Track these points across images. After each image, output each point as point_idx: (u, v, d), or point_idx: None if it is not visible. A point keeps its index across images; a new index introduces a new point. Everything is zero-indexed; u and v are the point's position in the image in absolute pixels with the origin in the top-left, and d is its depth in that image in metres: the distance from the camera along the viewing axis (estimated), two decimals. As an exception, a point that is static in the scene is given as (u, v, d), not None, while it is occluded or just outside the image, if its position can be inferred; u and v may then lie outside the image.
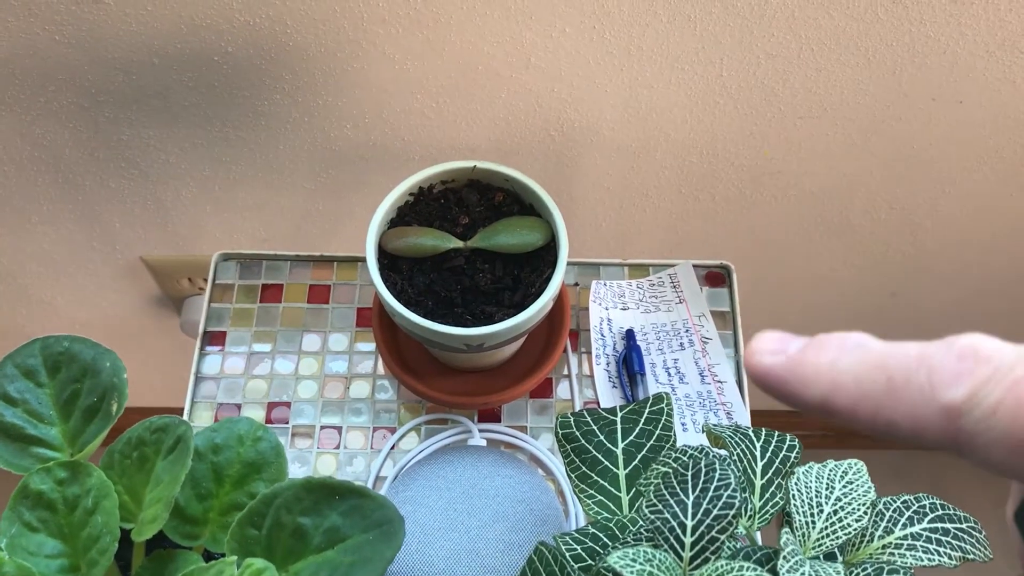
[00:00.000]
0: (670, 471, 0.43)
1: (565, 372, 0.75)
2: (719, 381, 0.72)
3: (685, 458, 0.46)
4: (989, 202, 0.94)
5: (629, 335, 0.74)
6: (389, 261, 0.66)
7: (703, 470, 0.42)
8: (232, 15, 0.71)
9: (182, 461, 0.45)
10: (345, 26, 0.72)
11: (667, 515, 0.41)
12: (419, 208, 0.68)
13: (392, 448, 0.71)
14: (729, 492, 0.41)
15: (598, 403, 0.73)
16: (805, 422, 1.51)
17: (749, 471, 0.51)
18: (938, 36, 0.73)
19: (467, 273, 0.65)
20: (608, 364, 0.74)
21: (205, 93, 0.80)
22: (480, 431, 0.71)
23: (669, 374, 0.73)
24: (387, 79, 0.78)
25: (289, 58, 0.76)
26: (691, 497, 0.41)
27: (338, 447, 0.71)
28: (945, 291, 1.11)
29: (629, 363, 0.73)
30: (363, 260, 0.80)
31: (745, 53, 0.75)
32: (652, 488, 0.43)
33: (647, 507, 0.42)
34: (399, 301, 0.63)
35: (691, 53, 0.75)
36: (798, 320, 1.17)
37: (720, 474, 0.41)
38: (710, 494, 0.41)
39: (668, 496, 0.42)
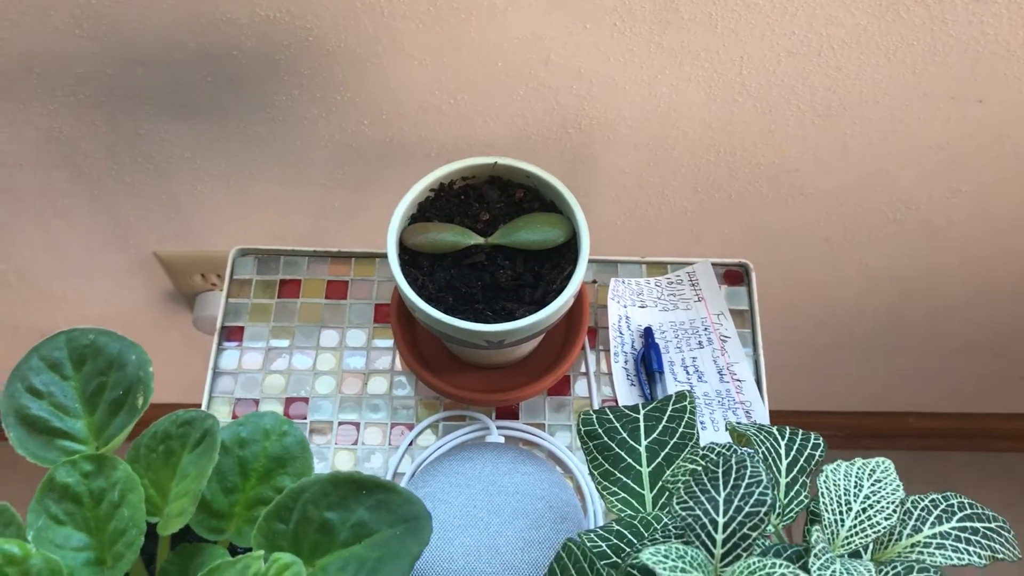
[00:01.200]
0: (700, 468, 0.43)
1: (583, 369, 0.75)
2: (738, 380, 0.72)
3: (714, 455, 0.46)
4: (1005, 203, 0.94)
5: (647, 333, 0.74)
6: (410, 257, 0.66)
7: (734, 467, 0.42)
8: (253, 10, 0.71)
9: (209, 455, 0.45)
10: (366, 22, 0.72)
11: (698, 512, 0.41)
12: (440, 204, 0.68)
13: (410, 445, 0.71)
14: (761, 489, 0.40)
15: (616, 401, 0.73)
16: (816, 422, 1.50)
17: (774, 468, 0.51)
18: (960, 35, 0.73)
19: (488, 269, 0.65)
20: (626, 362, 0.74)
21: (223, 88, 0.79)
22: (498, 428, 0.71)
23: (688, 372, 0.73)
24: (406, 75, 0.77)
25: (308, 54, 0.76)
26: (723, 494, 0.41)
27: (356, 443, 0.71)
28: (959, 291, 1.11)
29: (647, 361, 0.73)
30: (381, 256, 0.80)
31: (766, 51, 0.75)
32: (682, 484, 0.43)
33: (678, 503, 0.42)
34: (420, 297, 0.62)
35: (711, 51, 0.75)
36: (813, 318, 1.17)
37: (752, 471, 0.41)
38: (742, 491, 0.41)
39: (699, 493, 0.41)
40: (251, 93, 0.80)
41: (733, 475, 0.41)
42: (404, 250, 0.65)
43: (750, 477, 0.41)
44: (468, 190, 0.68)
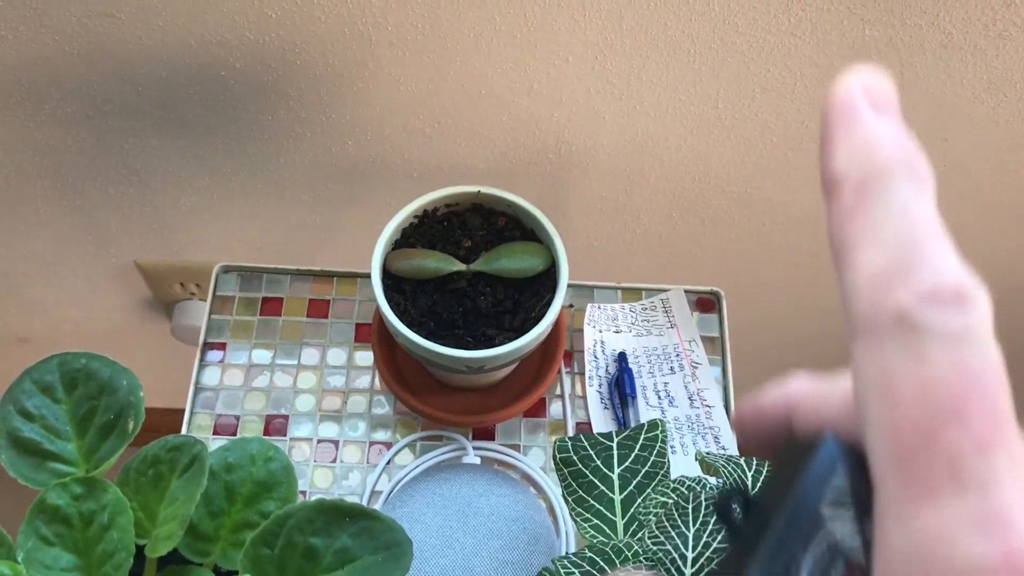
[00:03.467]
0: (671, 503, 0.45)
1: (558, 392, 0.77)
2: (707, 405, 0.75)
3: (684, 489, 0.48)
4: (969, 236, 0.97)
5: (621, 358, 0.76)
6: (393, 282, 0.67)
7: (702, 503, 0.44)
8: (242, 33, 0.73)
9: (197, 480, 0.47)
10: (353, 47, 0.74)
11: (668, 547, 0.43)
12: (423, 230, 0.69)
13: (388, 463, 0.73)
14: (727, 526, 0.42)
15: (590, 424, 0.75)
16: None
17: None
18: (927, 77, 0.76)
19: (469, 296, 0.67)
20: (600, 386, 0.76)
21: (210, 106, 0.81)
22: (474, 449, 0.73)
23: (659, 397, 0.75)
24: (390, 98, 0.79)
25: (295, 75, 0.77)
26: (692, 530, 0.43)
27: (334, 461, 0.73)
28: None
29: (621, 385, 0.75)
30: (363, 276, 0.81)
31: (741, 87, 0.77)
32: (654, 519, 0.45)
33: (649, 537, 0.44)
34: (402, 322, 0.64)
35: (689, 85, 0.77)
36: (782, 342, 1.20)
37: (710, 499, 0.43)
38: (710, 527, 0.43)
39: (670, 528, 0.44)
40: (237, 112, 0.81)
41: (702, 512, 0.43)
42: (387, 275, 0.67)
43: (709, 507, 0.43)
44: (451, 217, 0.70)
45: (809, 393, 0.24)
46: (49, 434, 0.49)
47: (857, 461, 0.22)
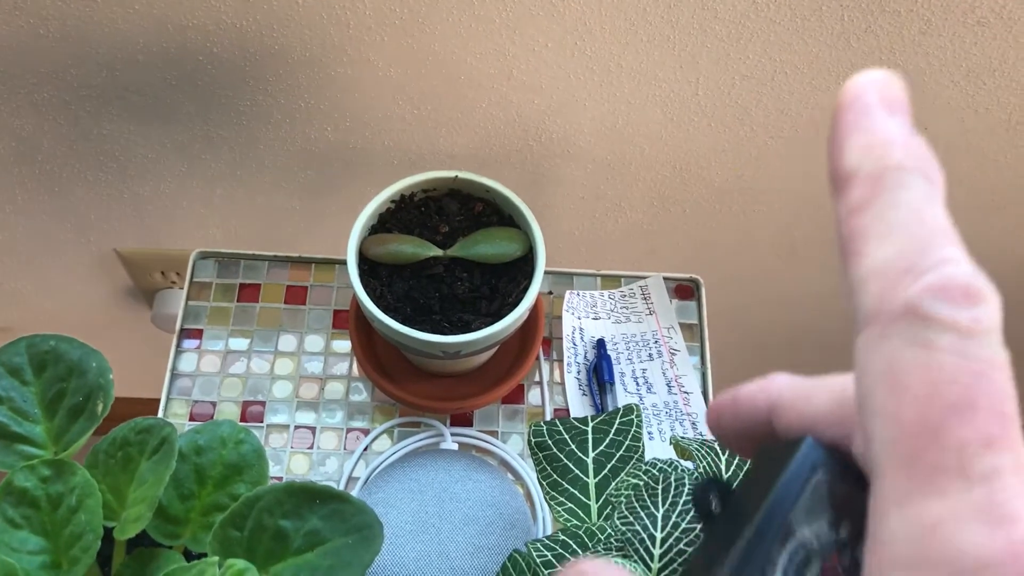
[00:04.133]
0: (641, 484, 0.45)
1: (537, 379, 0.77)
2: (685, 392, 0.75)
3: (655, 471, 0.48)
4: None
5: (600, 344, 0.76)
6: (369, 267, 0.67)
7: (673, 484, 0.44)
8: (220, 17, 0.72)
9: (166, 462, 0.46)
10: (332, 32, 0.73)
11: (637, 527, 0.43)
12: (400, 215, 0.69)
13: (365, 450, 0.73)
14: (697, 506, 0.42)
15: (568, 410, 0.75)
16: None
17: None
18: (906, 65, 0.76)
19: (446, 281, 0.67)
20: (579, 372, 0.76)
21: (188, 91, 0.80)
22: (452, 435, 0.73)
23: (637, 384, 0.75)
24: (370, 85, 0.79)
25: (274, 61, 0.76)
26: (661, 510, 0.43)
27: (311, 447, 0.73)
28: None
29: (599, 372, 0.75)
30: (341, 262, 0.81)
31: (721, 74, 0.77)
32: (623, 500, 0.45)
33: (618, 518, 0.44)
34: (378, 307, 0.64)
35: (669, 72, 0.77)
36: (760, 329, 1.20)
37: (689, 488, 0.43)
38: (679, 508, 0.43)
39: (639, 508, 0.43)
40: (215, 97, 0.81)
41: (672, 492, 0.43)
42: (364, 260, 0.67)
43: (688, 494, 0.43)
44: (429, 202, 0.70)
45: (792, 391, 0.25)
46: (17, 416, 0.49)
47: (837, 464, 0.22)
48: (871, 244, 0.20)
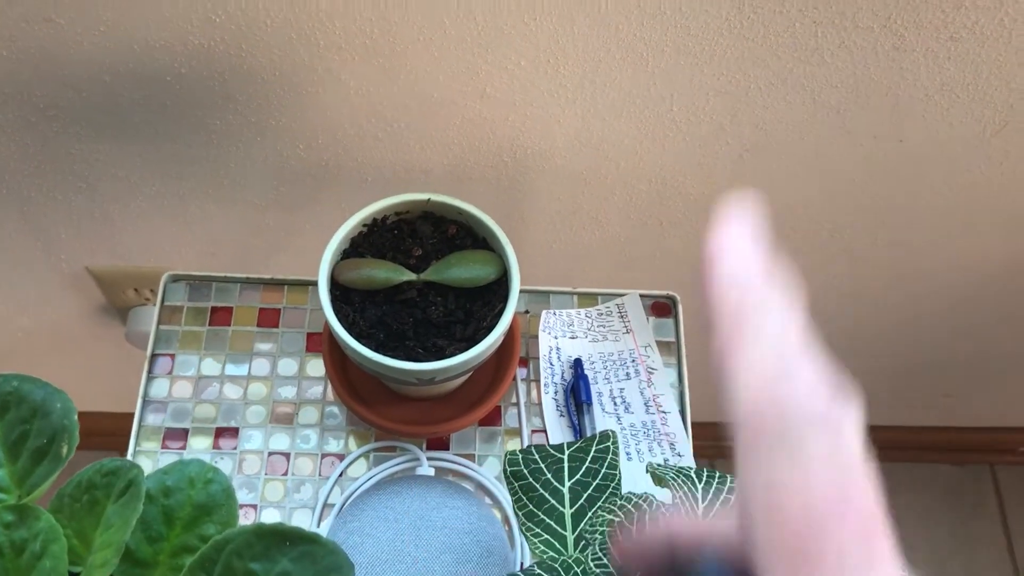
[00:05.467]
0: (616, 522, 0.44)
1: (513, 400, 0.76)
2: (663, 412, 0.74)
3: (631, 507, 0.48)
4: (924, 234, 0.97)
5: (577, 364, 0.76)
6: (341, 292, 0.66)
7: (647, 523, 0.43)
8: (187, 38, 0.71)
9: (133, 505, 0.45)
10: (300, 52, 0.72)
11: (612, 569, 0.42)
12: (372, 239, 0.68)
13: (340, 475, 0.72)
14: (672, 546, 0.42)
15: (545, 432, 0.74)
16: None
17: (690, 513, 0.53)
18: (881, 79, 0.76)
19: (419, 306, 0.66)
20: (556, 393, 0.75)
21: (157, 111, 0.79)
22: (428, 459, 0.72)
23: (615, 403, 0.75)
24: (341, 103, 0.78)
25: (243, 80, 0.75)
26: (635, 551, 0.42)
27: (286, 473, 0.72)
28: (879, 317, 1.15)
29: (576, 392, 0.74)
30: (314, 283, 0.80)
31: (695, 90, 0.77)
32: (599, 537, 0.44)
33: (592, 559, 0.43)
34: (350, 333, 0.63)
35: (642, 88, 0.76)
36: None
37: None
38: (654, 548, 0.42)
39: (613, 547, 0.43)
40: (185, 116, 0.80)
41: (646, 532, 0.43)
42: (336, 285, 0.66)
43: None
44: (401, 225, 0.69)
45: (689, 529, 0.28)
46: (-21, 460, 0.48)
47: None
48: (742, 369, 0.23)
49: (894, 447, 1.59)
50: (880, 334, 1.20)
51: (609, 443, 0.58)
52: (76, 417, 0.49)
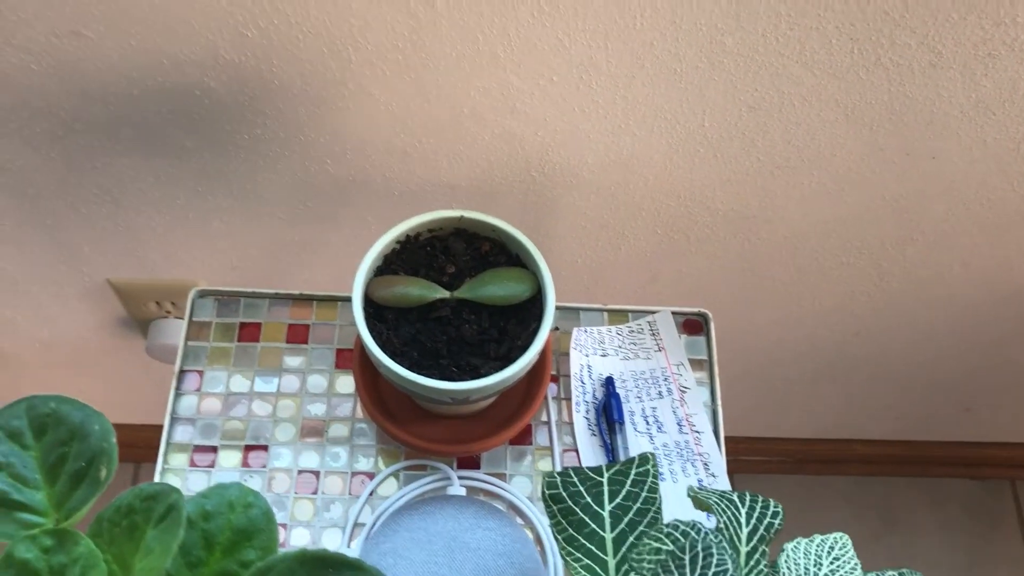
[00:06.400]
0: (667, 552, 0.43)
1: (544, 418, 0.75)
2: (696, 431, 0.73)
3: (679, 535, 0.47)
4: (953, 252, 0.96)
5: (608, 383, 0.75)
6: (375, 310, 0.65)
7: (700, 554, 0.42)
8: (217, 52, 0.70)
9: (174, 531, 0.45)
10: (332, 67, 0.72)
11: (666, 601, 0.41)
12: (405, 256, 0.67)
13: (371, 494, 0.71)
14: (726, 578, 0.41)
15: (577, 451, 0.73)
16: (767, 447, 1.53)
17: (735, 538, 0.52)
18: (916, 96, 0.75)
19: (453, 324, 0.65)
20: (588, 412, 0.74)
21: (184, 125, 0.78)
22: (459, 478, 0.71)
23: (647, 422, 0.74)
24: (370, 118, 0.77)
25: (272, 95, 0.75)
26: (689, 582, 0.41)
27: (316, 492, 0.71)
28: (906, 332, 1.14)
29: (608, 411, 0.74)
30: (343, 299, 0.80)
31: (728, 105, 0.76)
32: (649, 568, 0.44)
33: (644, 589, 0.42)
34: (384, 351, 0.62)
35: (675, 104, 0.76)
36: (765, 351, 1.19)
37: (718, 559, 0.41)
38: (708, 579, 0.41)
39: (665, 579, 0.42)
40: (212, 131, 0.79)
41: (700, 562, 0.42)
42: (369, 303, 0.65)
43: (717, 565, 0.42)
44: (434, 242, 0.69)
45: None
46: (17, 483, 0.47)
47: None
48: None
49: (913, 462, 1.57)
50: (903, 348, 1.19)
51: (649, 466, 0.57)
52: (114, 439, 0.48)
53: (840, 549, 0.48)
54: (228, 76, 0.73)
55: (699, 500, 0.54)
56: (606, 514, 0.55)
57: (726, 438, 0.78)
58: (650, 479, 0.57)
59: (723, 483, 0.71)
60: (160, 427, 0.74)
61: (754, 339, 1.15)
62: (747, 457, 1.55)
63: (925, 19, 0.67)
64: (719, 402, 0.76)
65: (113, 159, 0.83)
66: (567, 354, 0.77)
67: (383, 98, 0.75)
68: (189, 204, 0.89)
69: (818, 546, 0.48)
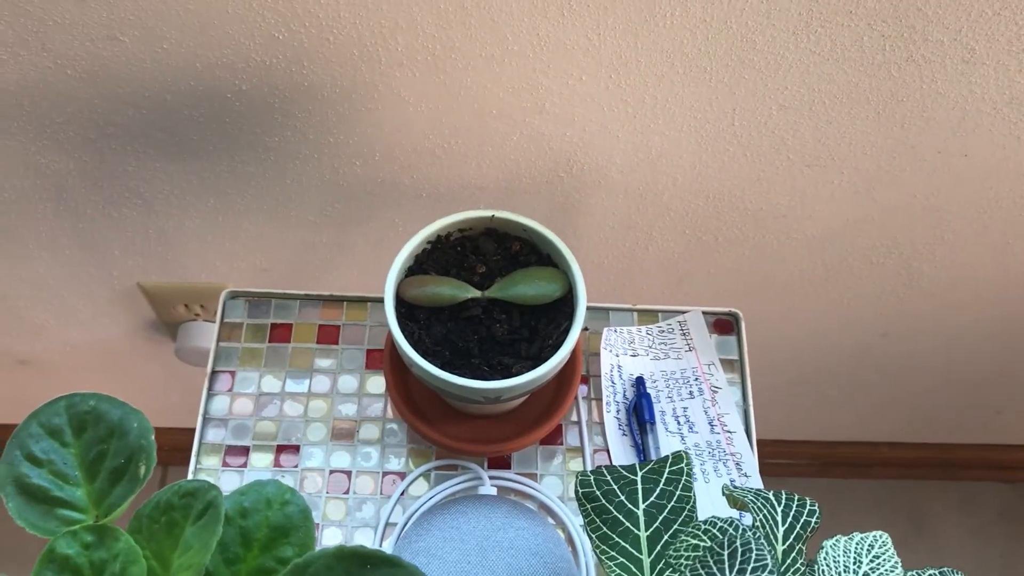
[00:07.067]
0: (705, 548, 0.43)
1: (574, 419, 0.75)
2: (728, 431, 0.73)
3: (716, 531, 0.46)
4: (987, 250, 0.95)
5: (639, 383, 0.75)
6: (406, 310, 0.66)
7: (739, 549, 0.42)
8: (248, 55, 0.71)
9: (212, 528, 0.45)
10: (362, 68, 0.72)
11: (706, 597, 0.41)
12: (436, 256, 0.68)
13: (402, 494, 0.71)
14: (766, 574, 0.41)
15: (608, 451, 0.73)
16: (792, 451, 1.52)
17: (771, 536, 0.51)
18: (948, 93, 0.74)
19: (484, 323, 0.65)
20: (618, 412, 0.74)
21: (215, 128, 0.79)
22: (490, 478, 0.71)
23: (679, 422, 0.73)
24: (400, 120, 0.77)
25: (303, 98, 0.75)
26: (729, 578, 0.41)
27: (347, 492, 0.71)
28: (935, 332, 1.13)
29: (639, 411, 0.73)
30: (372, 300, 0.80)
31: (758, 104, 0.76)
32: (687, 564, 0.43)
33: (683, 586, 0.42)
34: (416, 351, 0.63)
35: (704, 103, 0.76)
36: (793, 352, 1.18)
37: (757, 555, 0.41)
38: (748, 575, 0.41)
39: (705, 576, 0.42)
40: (243, 134, 0.80)
41: (739, 558, 0.42)
42: (400, 303, 0.65)
43: (755, 560, 0.41)
44: (464, 242, 0.69)
45: None
46: (57, 480, 0.48)
47: None
48: None
49: (943, 465, 1.56)
50: (933, 349, 1.18)
51: (683, 464, 0.57)
52: (153, 437, 0.49)
53: (880, 547, 0.48)
54: (259, 79, 0.73)
55: (734, 498, 0.54)
56: (640, 512, 0.55)
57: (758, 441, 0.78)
58: (684, 477, 0.56)
59: (756, 483, 0.71)
60: (188, 430, 0.75)
61: (780, 340, 1.14)
62: (772, 460, 1.54)
63: (958, 15, 0.67)
64: (751, 402, 0.75)
65: (145, 162, 0.83)
66: (597, 354, 0.77)
67: (412, 99, 0.75)
68: (219, 207, 0.89)
69: (857, 544, 0.47)
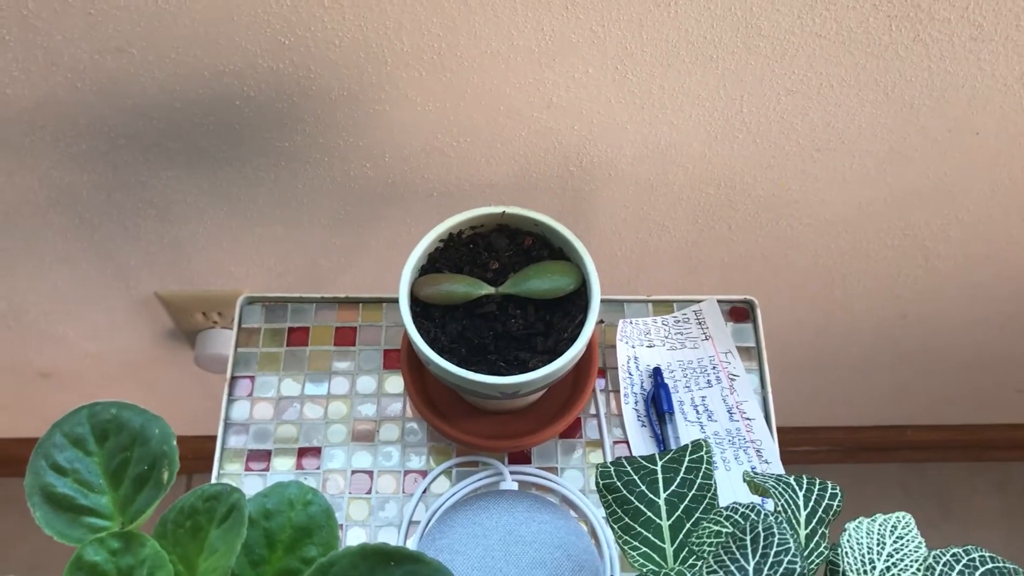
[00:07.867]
0: (727, 534, 0.43)
1: (592, 411, 0.75)
2: (747, 418, 0.73)
3: (739, 517, 0.46)
4: (1002, 228, 0.95)
5: (656, 373, 0.75)
6: (421, 308, 0.66)
7: (761, 534, 0.42)
8: (256, 61, 0.71)
9: (237, 530, 0.45)
10: (369, 71, 0.72)
11: (729, 582, 0.41)
12: (449, 254, 0.68)
13: (424, 492, 0.72)
14: (789, 558, 0.41)
15: (627, 443, 0.73)
16: (814, 437, 1.52)
17: (794, 520, 0.51)
18: (957, 71, 0.74)
19: (499, 319, 0.66)
20: (636, 403, 0.74)
21: (225, 135, 0.80)
22: (511, 473, 0.72)
23: (697, 412, 0.73)
24: (408, 120, 0.78)
25: (311, 102, 0.76)
26: (752, 563, 0.41)
27: (369, 492, 0.72)
28: (954, 313, 1.12)
29: (658, 402, 0.73)
30: (388, 300, 0.80)
31: (765, 90, 0.76)
32: (709, 550, 0.43)
33: (707, 571, 0.42)
34: (433, 349, 0.63)
35: (712, 91, 0.75)
36: (811, 337, 1.18)
37: (779, 539, 0.41)
38: (770, 560, 0.41)
39: (728, 562, 0.42)
40: (254, 140, 0.80)
41: (762, 542, 0.42)
42: (415, 301, 0.66)
43: (778, 545, 0.41)
44: (477, 239, 0.69)
45: None
46: (82, 488, 0.48)
47: None
48: None
49: (968, 446, 1.55)
50: (952, 330, 1.17)
51: (703, 452, 0.57)
52: (175, 443, 0.49)
53: (904, 528, 0.47)
54: (267, 84, 0.74)
55: (755, 485, 0.54)
56: (662, 502, 0.55)
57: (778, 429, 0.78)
58: (704, 465, 0.56)
59: (777, 469, 0.71)
60: (210, 437, 0.75)
61: (797, 326, 1.14)
62: (793, 448, 1.53)
63: (964, -8, 0.67)
64: (769, 389, 0.75)
65: (157, 172, 0.84)
66: (613, 347, 0.77)
67: (420, 99, 0.76)
68: (232, 213, 0.90)
69: (880, 525, 0.47)
